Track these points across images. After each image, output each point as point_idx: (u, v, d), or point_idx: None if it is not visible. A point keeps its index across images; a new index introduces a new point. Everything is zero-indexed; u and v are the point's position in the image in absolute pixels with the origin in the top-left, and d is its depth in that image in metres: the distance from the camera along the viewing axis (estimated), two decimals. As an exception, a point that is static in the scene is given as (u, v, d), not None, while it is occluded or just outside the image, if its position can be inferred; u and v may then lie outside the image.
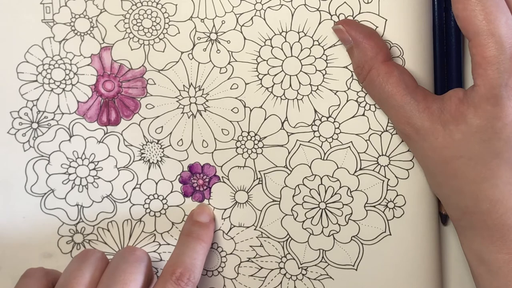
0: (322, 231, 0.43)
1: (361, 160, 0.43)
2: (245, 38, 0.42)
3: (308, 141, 0.43)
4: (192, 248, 0.41)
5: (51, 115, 0.44)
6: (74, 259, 0.41)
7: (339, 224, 0.43)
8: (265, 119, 0.43)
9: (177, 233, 0.44)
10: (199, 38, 0.43)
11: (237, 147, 0.43)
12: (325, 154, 0.43)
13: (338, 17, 0.41)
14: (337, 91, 0.42)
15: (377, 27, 0.41)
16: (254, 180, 0.43)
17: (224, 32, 0.42)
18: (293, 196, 0.43)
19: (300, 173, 0.43)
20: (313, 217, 0.43)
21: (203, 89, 0.43)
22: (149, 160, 0.44)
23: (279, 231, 0.44)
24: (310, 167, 0.43)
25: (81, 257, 0.41)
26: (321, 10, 0.42)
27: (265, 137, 0.43)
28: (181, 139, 0.43)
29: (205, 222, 0.43)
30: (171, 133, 0.43)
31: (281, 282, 0.44)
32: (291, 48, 0.42)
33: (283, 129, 0.43)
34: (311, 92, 0.42)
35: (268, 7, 0.42)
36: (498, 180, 0.36)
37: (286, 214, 0.43)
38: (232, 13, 0.42)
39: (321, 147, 0.43)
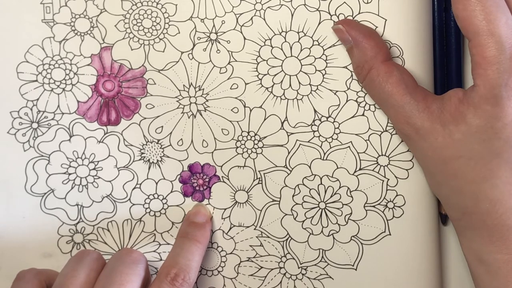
0: (322, 231, 0.43)
1: (360, 160, 0.43)
2: (245, 38, 0.42)
3: (308, 141, 0.43)
4: (187, 249, 0.41)
5: (51, 115, 0.44)
6: (70, 260, 0.41)
7: (338, 224, 0.43)
8: (265, 119, 0.43)
9: (177, 233, 0.44)
10: (199, 38, 0.43)
11: (237, 147, 0.43)
12: (324, 154, 0.43)
13: (338, 17, 0.41)
14: (336, 91, 0.42)
15: (376, 27, 0.41)
16: (254, 180, 0.43)
17: (224, 32, 0.42)
18: (293, 196, 0.43)
19: (300, 173, 0.43)
20: (313, 217, 0.43)
21: (203, 89, 0.43)
22: (149, 160, 0.44)
23: (279, 231, 0.44)
24: (310, 167, 0.43)
25: (77, 258, 0.41)
26: (321, 10, 0.42)
27: (265, 137, 0.43)
28: (181, 139, 0.43)
29: (201, 223, 0.43)
30: (171, 133, 0.43)
31: (280, 282, 0.44)
32: (291, 48, 0.42)
33: (283, 129, 0.43)
34: (311, 92, 0.42)
35: (268, 7, 0.42)
36: (498, 180, 0.36)
37: (286, 214, 0.43)
38: (232, 13, 0.42)
39: (320, 147, 0.43)
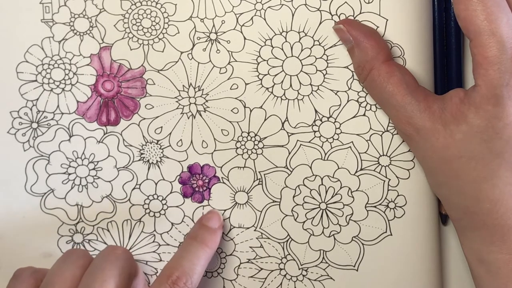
0: (322, 232, 0.43)
1: (361, 160, 0.43)
2: (245, 38, 0.42)
3: (309, 142, 0.43)
4: (194, 252, 0.41)
5: (50, 115, 0.44)
6: (58, 259, 0.41)
7: (339, 225, 0.43)
8: (265, 120, 0.43)
9: (176, 234, 0.44)
10: (198, 38, 0.43)
11: (237, 148, 0.43)
12: (325, 154, 0.43)
13: (339, 17, 0.41)
14: (337, 91, 0.42)
15: (378, 27, 0.41)
16: (254, 181, 0.43)
17: (224, 32, 0.42)
18: (294, 196, 0.43)
19: (301, 174, 0.43)
20: (313, 217, 0.43)
21: (203, 89, 0.43)
22: (148, 161, 0.44)
23: (279, 232, 0.44)
24: (310, 168, 0.43)
25: (64, 256, 0.41)
26: (322, 10, 0.41)
27: (265, 138, 0.43)
28: (181, 140, 0.43)
29: (213, 228, 0.43)
30: (170, 133, 0.43)
31: (281, 283, 0.44)
32: (291, 48, 0.42)
33: (284, 129, 0.43)
34: (311, 92, 0.42)
35: (269, 7, 0.42)
36: (498, 180, 0.36)
37: (286, 215, 0.43)
38: (232, 13, 0.42)
39: (321, 147, 0.43)
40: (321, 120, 0.42)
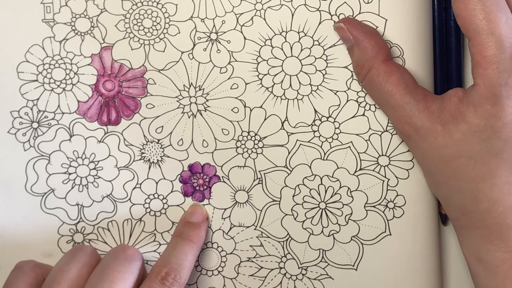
0: (322, 231, 0.43)
1: (361, 160, 0.43)
2: (245, 38, 0.42)
3: (308, 141, 0.43)
4: (180, 248, 0.41)
5: (51, 114, 0.44)
6: (64, 255, 0.41)
7: (339, 224, 0.43)
8: (265, 119, 0.43)
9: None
10: (199, 38, 0.43)
11: (237, 147, 0.43)
12: (325, 154, 0.43)
13: (338, 17, 0.41)
14: (337, 91, 0.42)
15: (377, 27, 0.41)
16: (254, 180, 0.43)
17: (224, 32, 0.42)
18: (293, 196, 0.43)
19: (300, 173, 0.43)
20: (313, 217, 0.43)
21: (203, 89, 0.43)
22: (149, 160, 0.44)
23: (279, 231, 0.44)
24: (310, 167, 0.43)
25: (71, 253, 0.41)
26: (321, 10, 0.42)
27: (265, 137, 0.43)
28: (181, 139, 0.43)
29: (196, 223, 0.43)
30: (171, 132, 0.43)
31: (281, 282, 0.44)
32: (291, 48, 0.42)
33: (283, 129, 0.43)
34: (311, 92, 0.42)
35: (268, 7, 0.42)
36: (497, 179, 0.36)
37: (286, 214, 0.43)
38: (232, 13, 0.42)
39: (321, 147, 0.43)
40: (320, 120, 0.43)
